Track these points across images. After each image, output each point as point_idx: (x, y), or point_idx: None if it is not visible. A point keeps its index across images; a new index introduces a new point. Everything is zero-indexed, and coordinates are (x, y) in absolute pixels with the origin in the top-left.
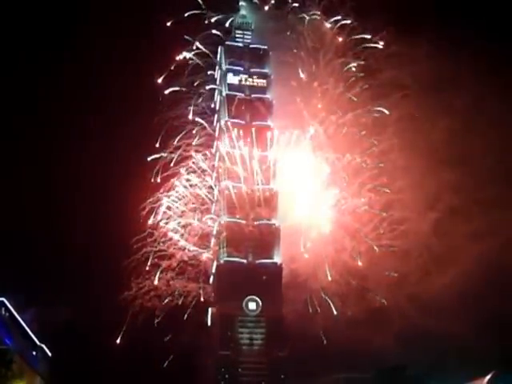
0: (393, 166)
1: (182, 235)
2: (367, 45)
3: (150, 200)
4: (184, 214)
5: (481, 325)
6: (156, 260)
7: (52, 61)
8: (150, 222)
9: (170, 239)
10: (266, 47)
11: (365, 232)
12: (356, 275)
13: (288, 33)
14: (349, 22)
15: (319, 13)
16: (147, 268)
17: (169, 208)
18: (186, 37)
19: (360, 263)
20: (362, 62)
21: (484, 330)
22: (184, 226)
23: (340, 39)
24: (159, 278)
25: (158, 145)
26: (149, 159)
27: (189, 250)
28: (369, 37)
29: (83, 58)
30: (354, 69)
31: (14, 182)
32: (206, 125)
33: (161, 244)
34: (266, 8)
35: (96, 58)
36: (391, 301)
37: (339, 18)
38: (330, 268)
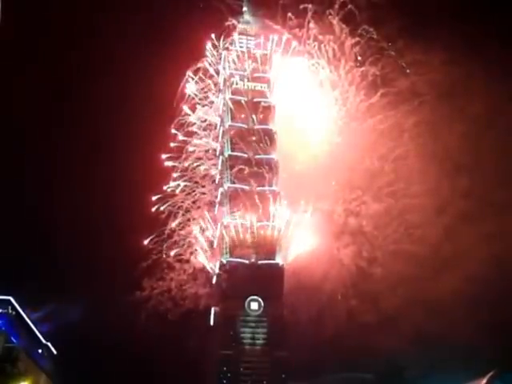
0: (409, 171)
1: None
2: (384, 53)
3: (169, 202)
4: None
5: (483, 326)
6: (171, 262)
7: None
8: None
9: (189, 243)
10: (267, 52)
11: (378, 235)
12: (369, 279)
13: (309, 41)
14: (366, 31)
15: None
16: (162, 269)
17: (187, 210)
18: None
19: (376, 268)
20: (380, 71)
21: (486, 330)
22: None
23: (357, 48)
24: (171, 280)
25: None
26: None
27: (207, 258)
28: (386, 45)
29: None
30: (372, 77)
31: (33, 184)
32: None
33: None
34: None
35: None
36: (399, 303)
37: (357, 27)
38: (343, 271)
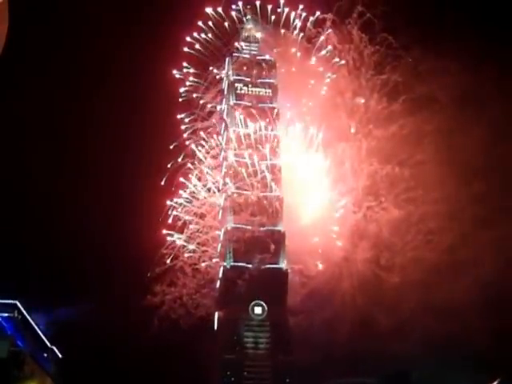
0: (428, 177)
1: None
2: (402, 61)
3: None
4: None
5: (494, 331)
6: (184, 269)
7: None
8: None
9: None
10: (272, 58)
11: (397, 242)
12: (384, 285)
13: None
14: (385, 38)
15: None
16: (176, 275)
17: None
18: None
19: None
20: (398, 79)
21: (497, 336)
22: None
23: (376, 56)
24: (184, 286)
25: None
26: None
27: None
28: (403, 53)
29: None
30: (392, 83)
31: (53, 190)
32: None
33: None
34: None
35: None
36: (411, 309)
37: (375, 35)
38: (358, 276)
